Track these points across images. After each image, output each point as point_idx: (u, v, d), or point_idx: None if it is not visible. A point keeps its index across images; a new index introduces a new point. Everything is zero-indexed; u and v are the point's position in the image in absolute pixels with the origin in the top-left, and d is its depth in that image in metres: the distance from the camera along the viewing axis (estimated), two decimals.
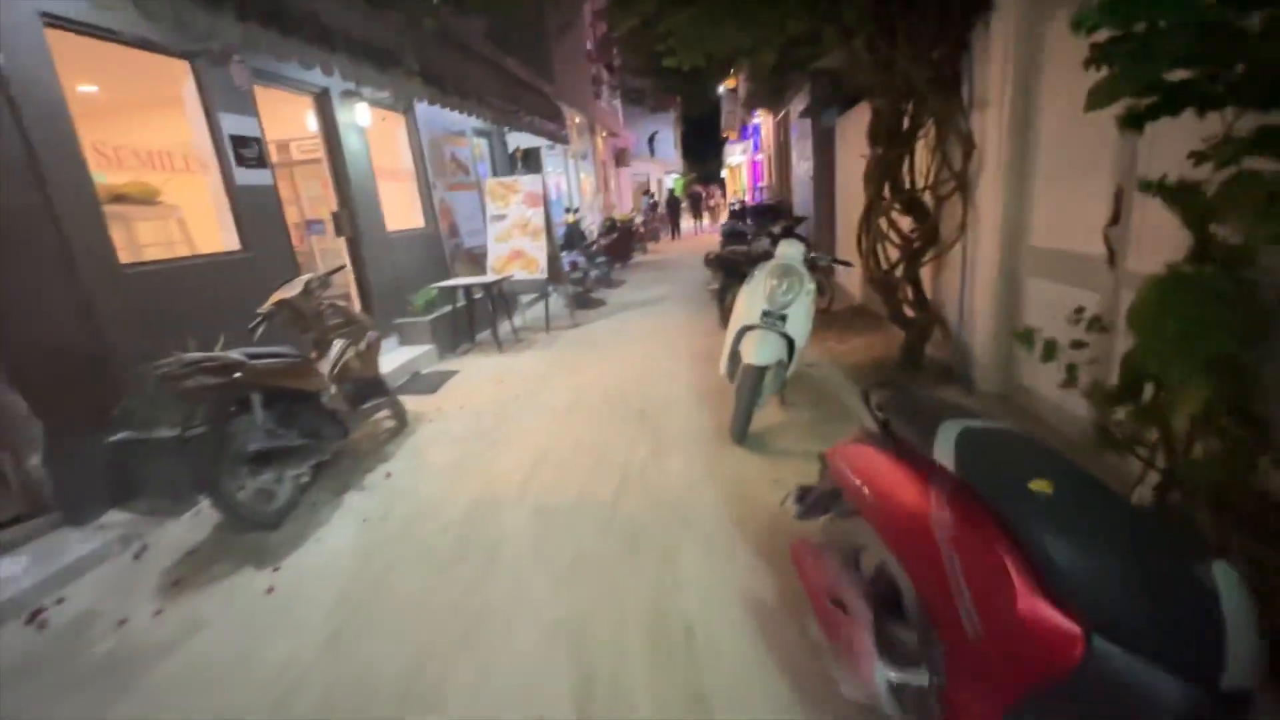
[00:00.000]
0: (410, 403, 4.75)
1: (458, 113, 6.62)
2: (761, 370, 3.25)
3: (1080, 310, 2.14)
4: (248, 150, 4.31)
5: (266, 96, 4.81)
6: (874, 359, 4.70)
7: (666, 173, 33.67)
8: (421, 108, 6.81)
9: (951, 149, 3.81)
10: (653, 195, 24.57)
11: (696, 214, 22.94)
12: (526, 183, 7.02)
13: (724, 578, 2.33)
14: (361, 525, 3.02)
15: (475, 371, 5.62)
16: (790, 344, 3.37)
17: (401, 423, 4.32)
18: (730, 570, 2.36)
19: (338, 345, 3.85)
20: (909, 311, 4.34)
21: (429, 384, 5.29)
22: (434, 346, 6.08)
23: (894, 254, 4.30)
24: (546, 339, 6.75)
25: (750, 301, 3.40)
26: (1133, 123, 1.49)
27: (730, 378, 3.69)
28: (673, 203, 21.69)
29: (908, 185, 4.20)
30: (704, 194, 23.23)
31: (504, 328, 6.87)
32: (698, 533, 2.63)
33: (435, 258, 7.04)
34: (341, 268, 4.08)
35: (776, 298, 3.31)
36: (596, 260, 9.86)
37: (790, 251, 3.47)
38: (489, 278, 6.47)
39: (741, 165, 30.62)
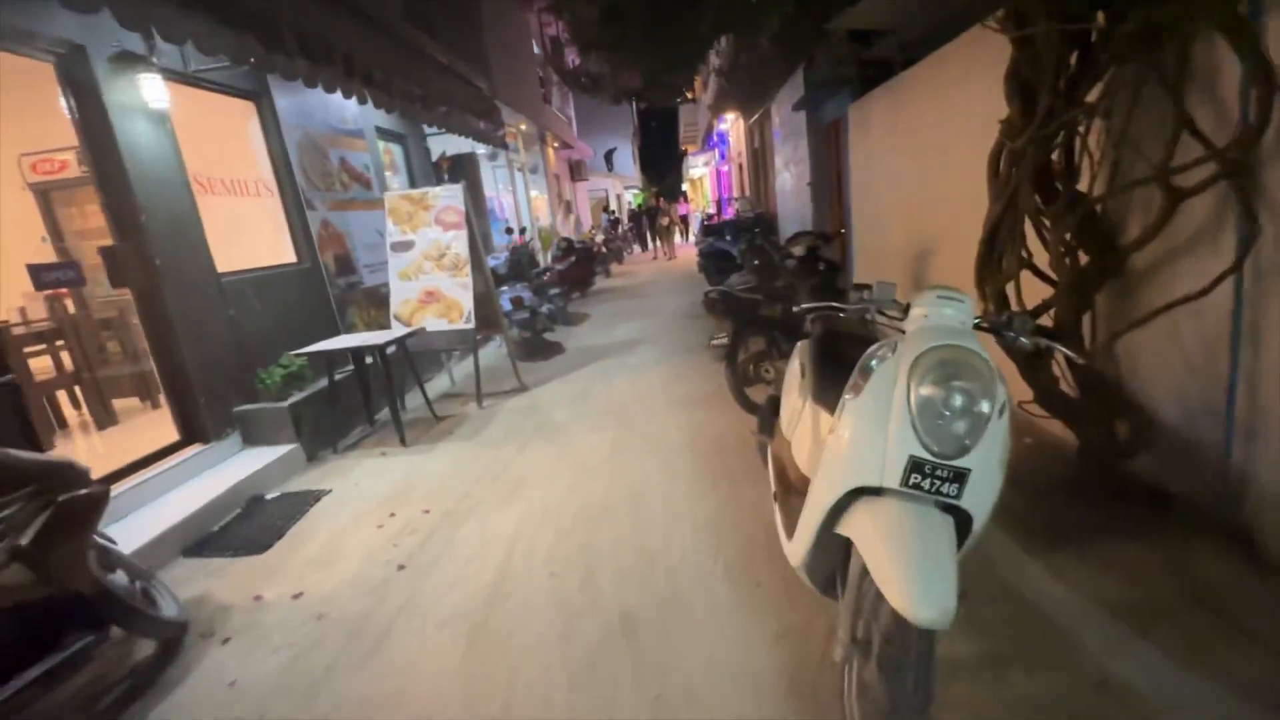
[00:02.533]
0: (216, 579, 2.68)
1: (352, 100, 4.58)
2: (933, 635, 1.34)
3: None
4: None
5: None
6: (1017, 472, 2.83)
7: (626, 188, 32.09)
8: (287, 94, 4.77)
9: (1193, 104, 2.01)
10: (613, 211, 22.86)
11: (653, 234, 18.36)
12: (441, 196, 5.01)
13: None
14: None
15: (354, 491, 3.55)
16: (960, 519, 1.47)
17: (166, 649, 2.25)
18: None
19: None
20: (1070, 392, 2.51)
21: (268, 525, 3.20)
22: (298, 445, 3.98)
23: (1024, 290, 2.49)
24: (478, 416, 4.72)
25: (872, 427, 1.48)
26: None
27: (812, 579, 1.77)
28: (637, 216, 20.24)
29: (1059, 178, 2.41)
30: (661, 209, 18.72)
31: (416, 401, 4.83)
32: None
33: (316, 305, 4.95)
34: None
35: (941, 423, 1.41)
36: (549, 293, 7.89)
37: (947, 315, 1.57)
38: (379, 336, 4.39)
39: (704, 177, 29.28)
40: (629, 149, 30.75)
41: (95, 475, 3.17)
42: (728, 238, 10.00)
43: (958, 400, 1.42)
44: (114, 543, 2.30)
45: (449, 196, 5.00)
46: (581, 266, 10.84)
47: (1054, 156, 2.35)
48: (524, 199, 12.63)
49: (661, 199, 23.07)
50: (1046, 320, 2.48)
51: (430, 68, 5.44)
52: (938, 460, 1.41)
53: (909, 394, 1.45)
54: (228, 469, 3.68)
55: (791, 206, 9.68)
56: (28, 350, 4.38)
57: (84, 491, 2.04)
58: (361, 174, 5.87)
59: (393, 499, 3.37)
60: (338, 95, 4.25)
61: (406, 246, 5.04)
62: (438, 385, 5.68)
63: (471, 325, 4.86)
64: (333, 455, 4.16)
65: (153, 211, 3.51)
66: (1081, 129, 2.27)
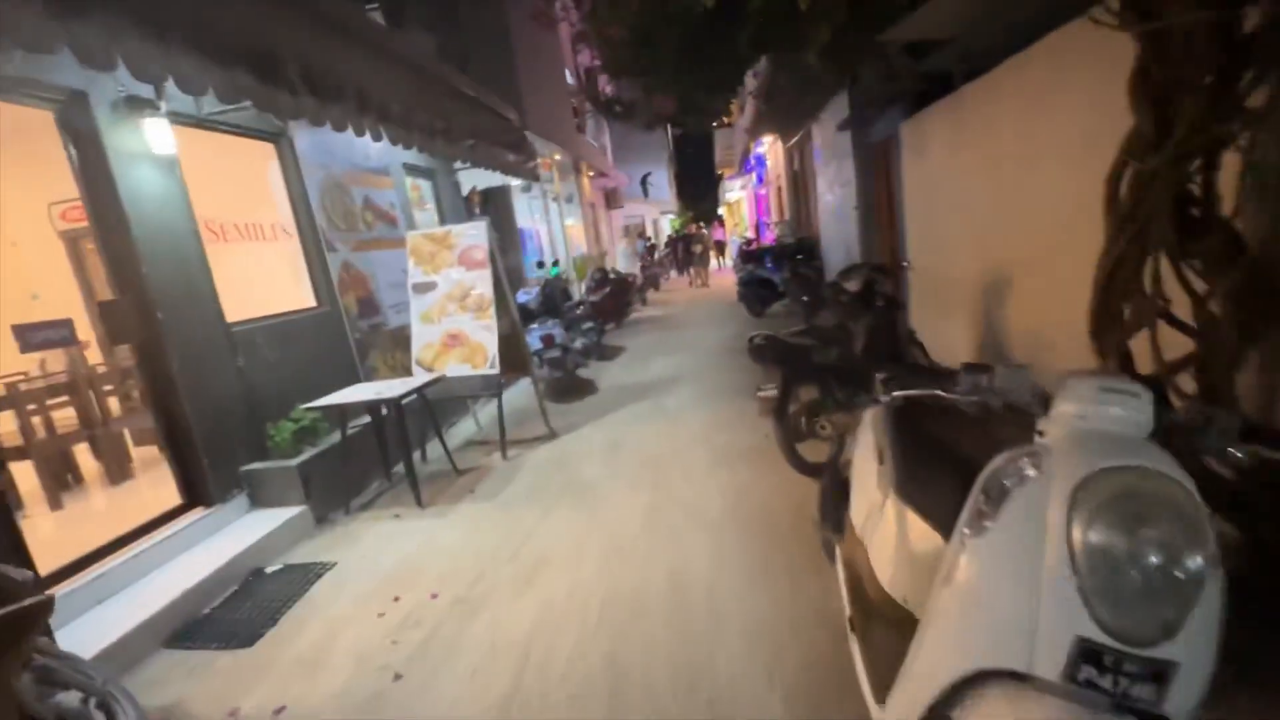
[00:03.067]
0: (194, 680, 2.35)
1: (368, 138, 4.35)
2: None
3: None
4: None
5: None
6: None
7: (662, 213, 31.98)
8: (309, 134, 4.60)
9: None
10: (649, 238, 22.62)
11: (689, 262, 17.67)
12: (465, 234, 4.74)
13: None
14: None
15: (360, 565, 3.20)
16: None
17: None
18: None
19: None
20: (1227, 474, 1.96)
21: (262, 607, 2.87)
22: (307, 507, 3.69)
23: (1151, 344, 1.98)
24: (501, 469, 4.36)
25: (1011, 585, 1.02)
26: None
27: None
28: (674, 241, 20.07)
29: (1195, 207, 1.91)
30: (694, 236, 18.46)
31: (439, 449, 4.51)
32: None
33: (335, 350, 4.71)
34: None
35: (1126, 589, 0.94)
36: (583, 327, 7.56)
37: (1115, 417, 1.10)
38: (394, 387, 4.07)
39: (741, 201, 28.90)
40: (665, 174, 30.71)
41: (92, 544, 2.95)
42: (768, 265, 9.56)
43: (1152, 557, 0.95)
44: (61, 657, 1.98)
45: (473, 235, 4.73)
46: (616, 297, 10.52)
47: (1201, 180, 1.86)
48: (559, 229, 12.47)
49: (699, 224, 22.73)
50: (1183, 379, 1.97)
51: (455, 100, 5.24)
52: (1123, 649, 0.94)
53: (1069, 540, 0.99)
54: (230, 536, 3.39)
55: (836, 231, 9.17)
56: (49, 403, 4.26)
57: (15, 607, 1.72)
58: (387, 212, 5.68)
59: (399, 576, 3.00)
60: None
61: (429, 288, 4.77)
62: (463, 430, 5.36)
63: (496, 370, 4.53)
64: (344, 517, 3.85)
65: (155, 262, 3.30)
66: (1241, 143, 1.77)
